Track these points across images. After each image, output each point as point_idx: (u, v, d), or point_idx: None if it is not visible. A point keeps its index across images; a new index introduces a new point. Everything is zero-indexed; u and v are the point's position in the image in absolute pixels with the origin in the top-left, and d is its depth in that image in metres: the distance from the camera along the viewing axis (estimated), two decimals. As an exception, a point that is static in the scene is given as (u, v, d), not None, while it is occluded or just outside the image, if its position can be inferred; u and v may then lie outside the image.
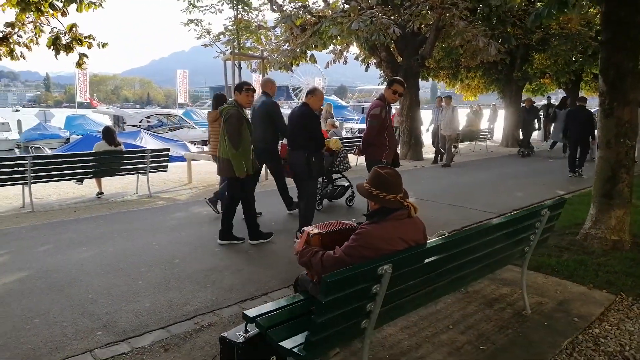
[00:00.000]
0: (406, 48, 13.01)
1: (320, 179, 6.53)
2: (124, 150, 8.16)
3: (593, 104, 17.62)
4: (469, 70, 16.97)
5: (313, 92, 5.39)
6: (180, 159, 12.44)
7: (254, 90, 5.09)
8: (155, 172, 8.33)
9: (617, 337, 3.16)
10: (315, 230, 2.70)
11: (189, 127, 21.16)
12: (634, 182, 4.91)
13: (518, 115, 15.78)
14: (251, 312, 2.46)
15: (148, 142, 14.92)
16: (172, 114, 23.79)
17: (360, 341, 2.34)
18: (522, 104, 15.49)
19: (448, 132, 11.83)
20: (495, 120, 20.88)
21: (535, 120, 14.31)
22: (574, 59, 17.16)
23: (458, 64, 16.11)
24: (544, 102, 20.29)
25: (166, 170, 8.42)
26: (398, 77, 5.78)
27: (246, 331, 2.50)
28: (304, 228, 2.75)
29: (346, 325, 2.18)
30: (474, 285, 3.93)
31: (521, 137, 14.82)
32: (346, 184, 7.13)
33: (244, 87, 4.99)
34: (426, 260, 2.46)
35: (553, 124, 14.51)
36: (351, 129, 23.98)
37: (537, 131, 15.94)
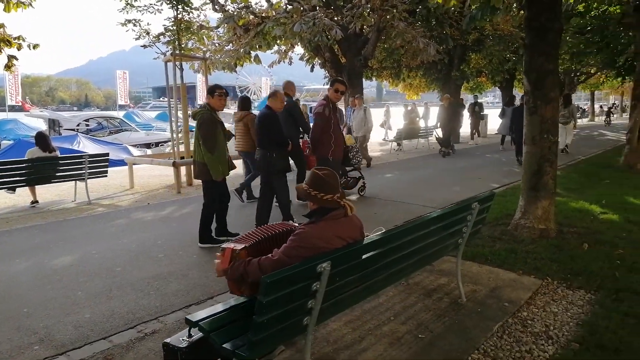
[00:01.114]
0: (349, 49, 13.24)
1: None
2: (60, 156, 7.81)
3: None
4: (411, 70, 17.52)
5: (274, 94, 5.64)
6: (122, 163, 12.05)
7: (226, 94, 5.13)
8: (94, 178, 8.03)
9: (543, 318, 3.42)
10: (240, 245, 2.62)
11: (130, 130, 20.45)
12: (557, 174, 5.30)
13: (438, 114, 15.05)
14: (194, 317, 2.47)
15: (86, 146, 14.31)
16: (112, 116, 22.91)
17: (304, 337, 2.42)
18: (441, 102, 14.94)
19: (361, 133, 11.05)
20: (428, 118, 21.65)
21: (456, 118, 14.09)
22: (507, 58, 18.13)
23: (400, 64, 16.58)
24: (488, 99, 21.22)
25: (106, 176, 8.15)
26: (339, 77, 6.00)
27: (190, 336, 2.51)
28: (224, 245, 2.64)
29: (288, 323, 2.24)
30: (414, 277, 4.11)
31: (440, 135, 14.21)
32: (358, 175, 7.82)
33: (215, 91, 4.99)
34: (364, 256, 2.57)
35: (501, 120, 15.25)
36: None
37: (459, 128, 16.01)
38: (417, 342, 3.08)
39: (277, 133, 5.50)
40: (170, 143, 19.10)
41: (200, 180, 5.23)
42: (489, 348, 3.03)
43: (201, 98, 43.93)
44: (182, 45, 10.15)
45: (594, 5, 11.40)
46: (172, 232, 5.73)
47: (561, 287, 3.96)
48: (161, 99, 77.27)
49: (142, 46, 9.61)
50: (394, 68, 17.38)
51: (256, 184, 6.47)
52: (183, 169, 9.18)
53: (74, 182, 7.89)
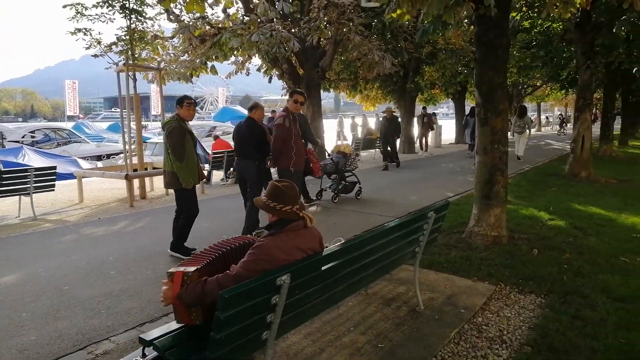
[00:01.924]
0: (307, 61, 13.33)
1: (333, 176, 8.28)
2: (3, 170, 7.40)
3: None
4: (367, 81, 17.81)
5: (256, 106, 6.17)
6: (71, 176, 11.57)
7: (195, 104, 5.21)
8: (40, 193, 7.66)
9: (497, 323, 3.51)
10: (192, 268, 2.48)
11: (80, 142, 19.69)
12: (507, 183, 5.50)
13: (379, 126, 14.61)
14: (148, 335, 2.38)
15: (32, 159, 13.67)
16: (60, 127, 21.98)
17: (263, 352, 2.37)
18: (383, 114, 14.26)
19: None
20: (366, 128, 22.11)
21: (396, 131, 13.66)
22: (459, 71, 18.79)
23: (357, 75, 16.84)
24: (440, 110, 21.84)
25: (53, 190, 7.78)
26: (298, 89, 6.11)
27: (143, 355, 2.42)
28: (171, 270, 2.48)
29: (247, 339, 2.19)
30: (373, 286, 4.14)
31: (382, 148, 13.74)
32: (355, 180, 8.50)
33: (184, 101, 5.04)
34: (323, 267, 2.56)
35: (465, 129, 15.77)
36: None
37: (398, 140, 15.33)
38: (376, 352, 3.09)
39: (262, 142, 5.99)
40: (122, 155, 18.63)
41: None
42: (446, 355, 3.07)
43: (155, 109, 42.96)
44: (136, 55, 9.88)
45: (539, 22, 12.03)
46: (124, 248, 5.53)
47: (513, 292, 4.09)
48: (113, 110, 74.95)
49: (93, 55, 9.29)
50: (351, 80, 17.63)
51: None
52: (136, 182, 8.91)
53: (18, 197, 7.49)
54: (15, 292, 4.15)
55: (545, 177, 10.49)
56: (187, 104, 5.03)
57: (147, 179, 9.53)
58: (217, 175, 11.77)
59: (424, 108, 20.24)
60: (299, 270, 2.32)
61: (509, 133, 9.10)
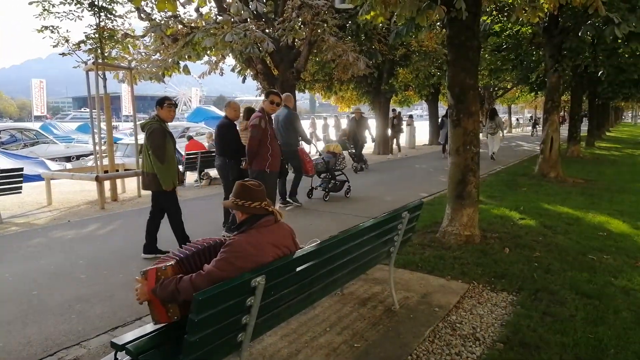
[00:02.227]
0: (282, 61, 13.30)
1: (324, 175, 8.54)
2: (-34, 171, 7.14)
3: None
4: (342, 83, 17.88)
5: (228, 104, 6.40)
6: (38, 178, 11.23)
7: (175, 105, 5.20)
8: (6, 195, 7.41)
9: (470, 321, 3.57)
10: (167, 263, 2.48)
11: (48, 143, 19.13)
12: (479, 183, 5.61)
13: (348, 127, 14.09)
14: (120, 340, 2.32)
15: (-2, 160, 13.21)
16: (27, 127, 21.31)
17: (238, 355, 2.35)
18: (352, 115, 13.77)
19: None
20: (339, 129, 22.20)
21: (367, 132, 13.38)
22: (432, 73, 19.07)
23: (331, 77, 16.89)
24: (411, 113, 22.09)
25: (20, 192, 7.55)
26: (273, 89, 6.16)
27: (116, 360, 2.36)
28: (144, 269, 2.46)
29: (221, 341, 2.17)
30: (348, 286, 4.15)
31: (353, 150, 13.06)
32: (344, 179, 8.81)
33: (165, 102, 5.05)
34: (299, 268, 2.56)
35: (441, 130, 15.96)
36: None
37: (371, 142, 15.49)
38: (353, 352, 3.10)
39: (233, 141, 6.13)
40: (92, 156, 18.19)
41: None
42: (421, 353, 3.11)
43: (126, 109, 42.15)
44: (105, 54, 9.66)
45: (509, 26, 12.30)
46: (95, 251, 5.39)
47: (486, 290, 4.17)
48: (82, 110, 73.09)
49: (61, 54, 9.04)
50: (326, 81, 17.68)
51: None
52: (107, 184, 8.72)
53: (-18, 199, 7.24)
54: (-21, 299, 4.00)
55: (516, 178, 10.74)
56: (168, 105, 5.02)
57: (118, 181, 9.33)
58: (191, 176, 11.62)
59: (393, 110, 20.35)
60: (274, 271, 2.31)
61: (481, 135, 9.27)
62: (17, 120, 75.67)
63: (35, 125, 25.75)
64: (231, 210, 2.60)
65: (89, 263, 4.96)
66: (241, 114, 6.92)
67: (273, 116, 7.64)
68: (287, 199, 8.05)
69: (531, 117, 42.87)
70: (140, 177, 5.15)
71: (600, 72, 11.35)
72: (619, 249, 5.17)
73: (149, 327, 2.48)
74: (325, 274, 2.82)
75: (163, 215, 5.27)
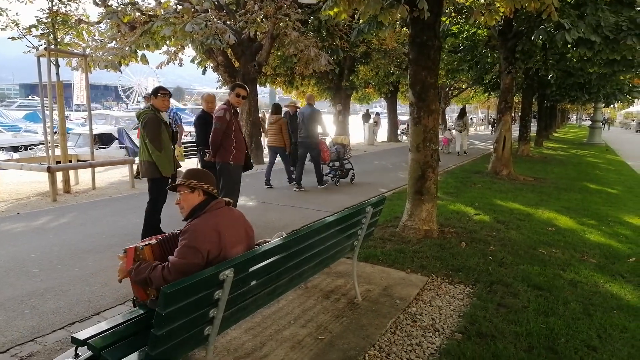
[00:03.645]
0: (243, 54, 13.15)
1: (332, 163, 9.78)
2: None
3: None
4: (304, 78, 17.87)
5: (202, 97, 6.71)
6: (-17, 168, 10.63)
7: (170, 95, 5.31)
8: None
9: (429, 312, 3.69)
10: (145, 242, 2.59)
11: (-7, 131, 18.12)
12: (438, 180, 5.78)
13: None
14: (81, 335, 2.26)
15: (-64, 149, 12.39)
16: (-31, 115, 20.07)
17: (204, 349, 2.34)
18: (286, 109, 12.22)
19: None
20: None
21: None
22: (392, 72, 19.36)
23: (293, 71, 16.85)
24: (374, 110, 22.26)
25: (-37, 183, 7.12)
26: (239, 82, 6.15)
27: (76, 356, 2.29)
28: (125, 248, 2.57)
29: (188, 335, 2.15)
30: (312, 280, 4.19)
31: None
32: (350, 167, 9.99)
33: (159, 92, 5.15)
34: (266, 261, 2.57)
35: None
36: (190, 132, 23.15)
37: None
38: (317, 344, 3.14)
39: (201, 133, 6.30)
40: (42, 146, 17.32)
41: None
42: (383, 344, 3.19)
43: (79, 98, 40.39)
44: (58, 40, 9.23)
45: (466, 28, 12.67)
46: (48, 245, 5.17)
47: (444, 282, 4.31)
48: (30, 97, 69.44)
49: (10, 38, 8.57)
50: (288, 75, 17.62)
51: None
52: (59, 175, 8.36)
53: None
54: None
55: (470, 175, 11.11)
56: (162, 95, 5.14)
57: (71, 172, 8.96)
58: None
59: (339, 105, 18.34)
60: (242, 264, 2.31)
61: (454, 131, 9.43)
62: (-43, 107, 70.83)
63: (-22, 113, 24.23)
64: (177, 202, 2.58)
65: (42, 257, 4.75)
66: (267, 112, 7.37)
67: (298, 112, 9.49)
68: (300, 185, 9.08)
69: (492, 117, 44.46)
70: (138, 165, 5.30)
71: (550, 75, 11.89)
72: (566, 243, 5.46)
73: (112, 322, 2.42)
74: (292, 267, 2.84)
75: (163, 204, 5.34)
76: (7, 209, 7.11)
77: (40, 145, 17.58)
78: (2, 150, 16.13)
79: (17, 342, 3.05)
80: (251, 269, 2.42)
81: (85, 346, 2.22)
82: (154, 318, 2.42)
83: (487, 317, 3.52)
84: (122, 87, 61.31)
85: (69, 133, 14.97)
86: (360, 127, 24.43)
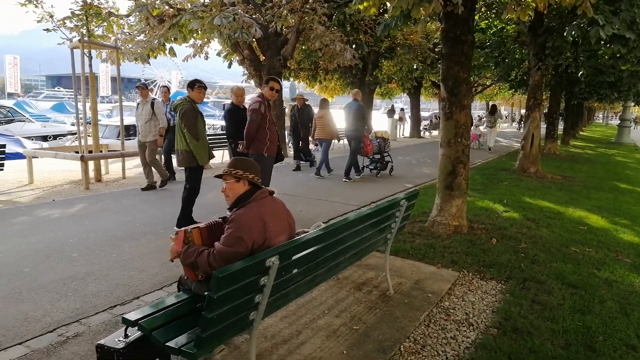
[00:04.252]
0: (269, 48, 13.20)
1: (373, 156, 10.37)
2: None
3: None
4: (327, 72, 17.86)
5: (232, 90, 6.78)
6: (15, 156, 10.94)
7: (205, 87, 5.54)
8: (-13, 172, 7.21)
9: (462, 307, 3.69)
10: (194, 226, 2.66)
11: (24, 121, 18.55)
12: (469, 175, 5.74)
13: (291, 117, 12.28)
14: (132, 316, 2.34)
15: (-30, 137, 12.79)
16: (1, 105, 20.60)
17: (249, 333, 2.39)
18: (293, 102, 11.93)
19: (150, 138, 7.92)
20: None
21: (308, 123, 11.31)
22: (415, 67, 19.20)
23: (317, 66, 16.85)
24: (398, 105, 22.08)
25: (2, 170, 7.35)
26: (274, 76, 6.22)
27: (126, 336, 2.37)
28: (177, 229, 2.68)
29: (235, 319, 2.21)
30: (343, 272, 4.23)
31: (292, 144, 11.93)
32: (389, 160, 10.60)
33: (196, 84, 5.35)
34: (308, 250, 2.61)
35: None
36: (213, 125, 23.38)
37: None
38: (352, 334, 3.18)
39: (232, 125, 6.31)
40: (70, 136, 17.71)
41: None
42: (418, 336, 3.21)
43: (104, 89, 41.03)
44: (91, 32, 9.42)
45: (495, 23, 12.49)
46: (85, 231, 5.32)
47: (476, 278, 4.30)
48: (56, 89, 70.86)
49: (45, 30, 8.77)
50: (311, 70, 17.63)
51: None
52: (91, 164, 8.56)
53: (-39, 176, 7.03)
54: (-32, 275, 3.92)
55: (497, 172, 10.98)
56: (199, 87, 5.36)
57: (102, 162, 9.16)
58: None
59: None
60: (286, 252, 2.35)
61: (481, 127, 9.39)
62: (-13, 97, 72.72)
63: (8, 103, 24.88)
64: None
65: (79, 242, 4.89)
66: (315, 106, 7.44)
67: (345, 107, 9.92)
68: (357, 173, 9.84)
69: (521, 115, 44.50)
70: (176, 155, 5.47)
71: (580, 73, 11.65)
72: (599, 242, 5.39)
73: (161, 304, 2.50)
74: (330, 257, 2.88)
75: (198, 191, 5.53)
76: (42, 195, 7.31)
77: (69, 135, 17.99)
78: (32, 139, 16.52)
79: (62, 323, 3.16)
80: (294, 257, 2.47)
81: (136, 327, 2.29)
82: (204, 301, 2.50)
83: (522, 314, 3.51)
84: (145, 79, 62.12)
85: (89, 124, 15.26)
86: (384, 122, 24.29)
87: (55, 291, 3.65)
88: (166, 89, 9.96)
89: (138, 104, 8.24)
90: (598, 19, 7.52)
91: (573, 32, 8.48)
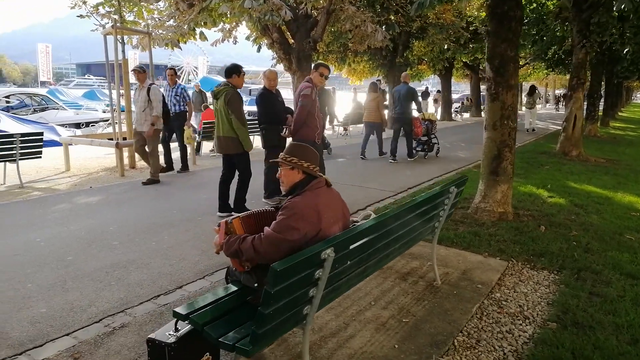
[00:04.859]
0: (298, 30, 12.96)
1: (420, 138, 10.48)
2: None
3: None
4: (356, 54, 17.53)
5: (263, 74, 6.44)
6: (51, 143, 11.12)
7: (244, 73, 5.61)
8: (26, 160, 7.32)
9: (515, 299, 3.51)
10: (234, 216, 2.58)
11: (57, 108, 18.92)
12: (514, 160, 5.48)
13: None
14: (182, 309, 2.27)
15: (8, 125, 13.07)
16: (35, 93, 21.07)
17: (302, 327, 2.29)
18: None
19: (146, 127, 7.29)
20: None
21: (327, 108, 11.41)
22: (446, 47, 18.65)
23: (346, 48, 16.54)
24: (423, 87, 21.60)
25: (40, 157, 7.45)
26: (323, 62, 6.11)
27: (176, 330, 2.30)
28: (220, 222, 2.56)
29: (290, 314, 2.11)
30: (387, 261, 4.09)
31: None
32: (436, 142, 10.86)
33: (241, 70, 5.44)
34: (361, 241, 2.48)
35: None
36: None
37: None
38: (402, 327, 3.05)
39: (270, 110, 6.02)
40: (102, 123, 17.99)
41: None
42: (471, 330, 3.06)
43: (131, 76, 41.60)
44: (123, 18, 9.43)
45: (535, -1, 11.93)
46: (123, 218, 5.33)
47: (526, 268, 4.10)
48: (86, 77, 72.28)
49: (78, 16, 8.81)
50: (340, 52, 17.33)
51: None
52: (126, 151, 8.61)
53: (2, 164, 7.15)
54: (15, 263, 3.95)
55: (536, 155, 10.58)
56: (243, 74, 5.48)
57: (218, 142, 9.14)
58: (207, 146, 11.49)
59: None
60: (340, 244, 2.23)
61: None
62: (21, 86, 74.90)
63: (41, 91, 25.45)
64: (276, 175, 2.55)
65: (119, 230, 4.89)
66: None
67: (394, 90, 10.22)
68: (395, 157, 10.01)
69: (561, 94, 43.83)
70: (218, 141, 5.52)
71: (625, 50, 11.04)
72: (655, 230, 5.08)
73: (209, 297, 2.42)
74: (381, 247, 2.74)
75: (233, 177, 5.62)
76: (79, 182, 7.39)
77: (101, 122, 18.28)
78: (65, 126, 16.83)
79: (108, 313, 3.13)
80: (348, 249, 2.35)
81: (187, 321, 2.22)
82: (254, 294, 2.41)
83: (581, 306, 3.31)
84: (172, 66, 62.62)
85: (123, 112, 15.41)
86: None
87: (99, 280, 3.64)
88: (173, 72, 8.95)
89: (136, 89, 7.63)
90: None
91: (623, 6, 7.97)
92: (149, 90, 7.28)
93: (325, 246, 2.10)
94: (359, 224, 2.85)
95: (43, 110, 18.40)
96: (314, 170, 2.50)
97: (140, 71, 7.46)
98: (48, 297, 3.32)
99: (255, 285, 2.49)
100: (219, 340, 2.09)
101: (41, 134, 7.49)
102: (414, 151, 10.46)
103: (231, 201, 5.59)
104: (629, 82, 34.35)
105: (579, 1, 9.65)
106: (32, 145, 7.17)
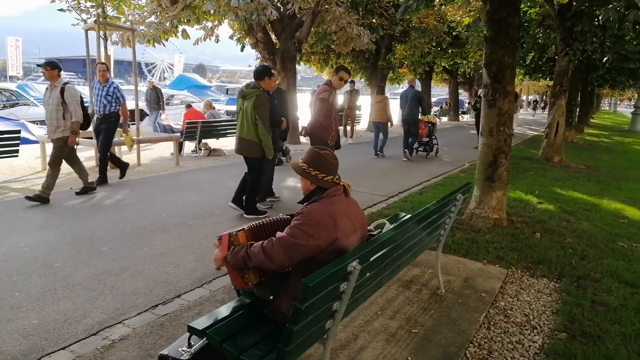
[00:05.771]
0: (283, 31, 12.86)
1: (424, 139, 11.23)
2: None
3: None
4: (339, 56, 17.49)
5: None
6: (24, 141, 10.67)
7: (275, 76, 5.61)
8: (1, 158, 6.97)
9: (520, 308, 3.49)
10: (238, 228, 2.45)
11: (28, 104, 18.20)
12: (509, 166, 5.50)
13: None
14: (198, 324, 2.13)
15: (-24, 121, 12.52)
16: (5, 88, 20.26)
17: (322, 343, 2.19)
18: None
19: (57, 135, 6.04)
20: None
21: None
22: (427, 51, 18.79)
23: (329, 49, 16.48)
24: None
25: (17, 156, 7.12)
26: (344, 65, 6.06)
27: (189, 345, 2.17)
28: (220, 235, 2.43)
29: (314, 329, 2.01)
30: (389, 269, 4.02)
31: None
32: (436, 143, 11.58)
33: (270, 73, 5.35)
34: (380, 252, 2.39)
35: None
36: (218, 110, 22.96)
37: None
38: (412, 338, 2.98)
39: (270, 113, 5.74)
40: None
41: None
42: (481, 340, 3.01)
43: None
44: (105, 13, 9.12)
45: (521, 7, 12.08)
46: (110, 222, 5.10)
47: (525, 275, 4.09)
48: (58, 72, 69.84)
49: (59, 10, 8.47)
50: (323, 53, 17.26)
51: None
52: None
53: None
54: (-2, 269, 3.72)
55: (519, 161, 10.72)
56: (275, 76, 5.50)
57: (115, 148, 8.91)
58: (188, 146, 11.23)
59: (352, 82, 14.93)
60: (365, 255, 2.14)
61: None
62: (-13, 80, 71.98)
63: (11, 86, 24.50)
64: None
65: (107, 234, 4.67)
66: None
67: (402, 93, 10.93)
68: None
69: (534, 100, 45.39)
70: (238, 142, 5.37)
71: (605, 59, 11.32)
72: (645, 237, 5.18)
73: (226, 310, 2.30)
74: (396, 257, 2.67)
75: (261, 177, 5.60)
76: (59, 183, 7.03)
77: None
78: (37, 123, 16.21)
79: (105, 324, 2.95)
80: (369, 260, 2.26)
81: (204, 337, 2.09)
82: (269, 307, 2.29)
83: (586, 316, 3.31)
84: (145, 63, 61.30)
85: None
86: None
87: (91, 289, 3.45)
88: (105, 67, 7.24)
89: (47, 88, 6.06)
90: (637, 2, 7.20)
91: (609, 15, 8.14)
92: (62, 90, 5.81)
93: (351, 258, 2.01)
94: (375, 233, 2.77)
95: (13, 106, 17.69)
96: (330, 182, 2.40)
97: (48, 67, 5.85)
98: (39, 307, 3.12)
99: (271, 297, 2.37)
100: (240, 358, 1.97)
101: (18, 131, 7.16)
102: (415, 151, 11.08)
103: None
104: (600, 89, 35.42)
105: (563, 10, 9.84)
106: (9, 143, 6.84)
